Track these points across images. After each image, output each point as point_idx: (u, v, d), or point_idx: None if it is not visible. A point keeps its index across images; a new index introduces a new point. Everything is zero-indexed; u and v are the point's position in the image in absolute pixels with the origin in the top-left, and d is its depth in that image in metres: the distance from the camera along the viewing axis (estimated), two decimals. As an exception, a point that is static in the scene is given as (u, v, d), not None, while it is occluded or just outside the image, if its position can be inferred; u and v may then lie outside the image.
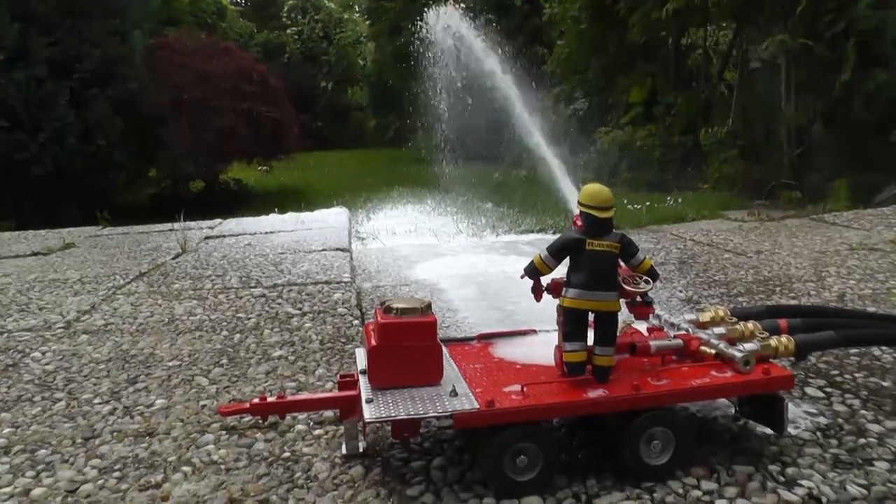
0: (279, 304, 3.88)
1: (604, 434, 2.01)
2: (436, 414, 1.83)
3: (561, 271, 2.01)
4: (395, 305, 1.98)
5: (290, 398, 2.14)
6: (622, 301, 2.00)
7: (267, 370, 2.83)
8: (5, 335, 3.49)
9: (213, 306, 3.88)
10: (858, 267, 4.34)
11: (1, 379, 2.86)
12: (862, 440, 2.08)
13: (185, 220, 7.23)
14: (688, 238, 5.87)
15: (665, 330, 2.25)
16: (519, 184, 14.42)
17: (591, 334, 1.99)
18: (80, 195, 13.92)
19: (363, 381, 1.98)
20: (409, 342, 1.94)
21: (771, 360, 2.08)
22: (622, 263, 2.01)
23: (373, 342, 1.95)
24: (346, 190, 15.85)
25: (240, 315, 3.67)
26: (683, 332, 2.19)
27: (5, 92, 13.12)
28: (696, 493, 1.85)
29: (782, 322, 2.25)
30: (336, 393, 2.16)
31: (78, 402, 2.58)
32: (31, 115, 13.36)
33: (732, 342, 2.08)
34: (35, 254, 5.97)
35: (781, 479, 1.90)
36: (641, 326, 2.27)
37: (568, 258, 1.98)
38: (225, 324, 3.52)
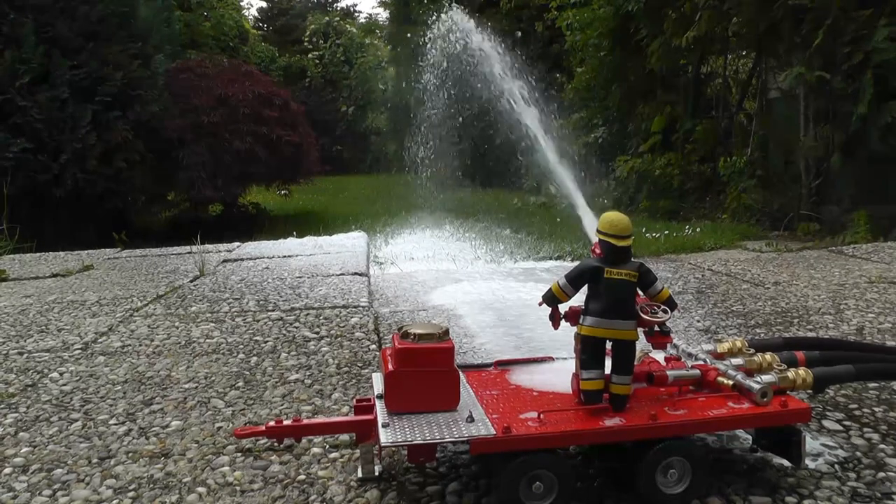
0: (296, 327, 3.89)
1: (620, 462, 2.00)
2: (452, 439, 1.82)
3: (579, 299, 2.01)
4: (412, 331, 1.97)
5: (306, 422, 2.14)
6: (640, 330, 2.00)
7: (283, 393, 2.84)
8: (25, 356, 3.51)
9: (230, 329, 3.89)
10: (878, 300, 4.31)
11: (20, 399, 2.88)
12: (881, 474, 2.06)
13: (202, 243, 7.27)
14: (706, 268, 5.86)
15: (682, 360, 2.24)
16: (537, 210, 14.45)
17: (608, 363, 1.99)
18: (99, 217, 14.02)
19: (379, 406, 1.98)
20: (426, 367, 1.94)
21: (788, 392, 2.07)
22: (640, 292, 2.00)
23: (390, 367, 1.95)
24: (365, 214, 15.89)
25: (257, 338, 3.69)
26: (701, 362, 2.18)
27: (29, 114, 13.24)
28: (713, 524, 1.85)
29: (800, 354, 2.24)
30: (352, 417, 2.16)
31: (94, 422, 2.59)
32: (52, 137, 13.47)
33: (750, 374, 2.07)
34: (55, 275, 6.01)
35: (799, 511, 1.89)
36: (659, 356, 2.26)
37: (586, 286, 1.98)
38: (242, 347, 3.53)
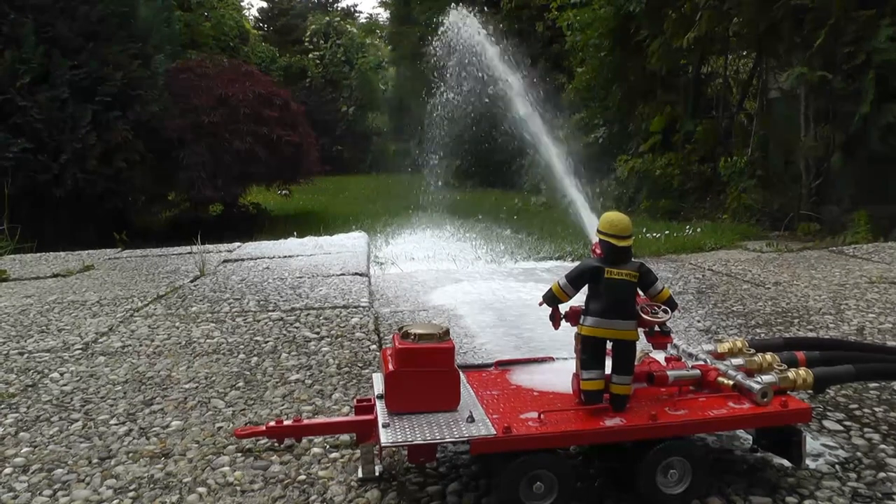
0: (297, 327, 3.89)
1: (620, 462, 2.00)
2: (452, 439, 1.82)
3: (579, 299, 2.01)
4: (412, 331, 1.97)
5: (306, 422, 2.14)
6: (640, 330, 1.99)
7: (283, 393, 2.84)
8: (25, 356, 3.51)
9: (230, 329, 3.89)
10: (878, 300, 4.31)
11: (21, 399, 2.88)
12: (882, 474, 2.06)
13: (203, 244, 7.27)
14: (706, 268, 5.85)
15: (683, 360, 2.24)
16: (538, 211, 14.45)
17: (609, 363, 1.98)
18: (99, 217, 14.01)
19: (380, 406, 1.98)
20: (426, 367, 1.93)
21: (789, 392, 2.07)
22: (641, 292, 2.00)
23: (390, 367, 1.95)
24: (365, 215, 15.89)
25: (257, 338, 3.68)
26: (701, 362, 2.18)
27: (29, 114, 13.24)
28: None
29: (800, 354, 2.24)
30: (353, 417, 2.16)
31: (94, 422, 2.58)
32: (52, 137, 13.46)
33: (750, 374, 2.07)
34: (55, 275, 6.01)
35: (799, 511, 1.89)
36: (659, 356, 2.25)
37: (586, 286, 1.98)
38: (242, 347, 3.53)
